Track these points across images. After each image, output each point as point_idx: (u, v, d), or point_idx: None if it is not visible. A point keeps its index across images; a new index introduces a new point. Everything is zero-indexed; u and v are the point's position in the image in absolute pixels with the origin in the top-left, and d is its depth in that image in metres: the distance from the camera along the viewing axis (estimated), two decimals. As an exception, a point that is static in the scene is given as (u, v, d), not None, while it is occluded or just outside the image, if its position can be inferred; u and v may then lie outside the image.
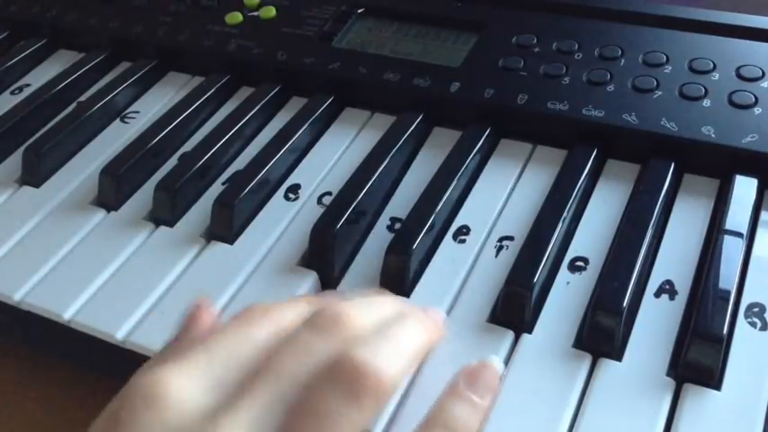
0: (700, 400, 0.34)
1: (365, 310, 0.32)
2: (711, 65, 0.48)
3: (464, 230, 0.43)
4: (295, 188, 0.48)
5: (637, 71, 0.49)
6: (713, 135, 0.44)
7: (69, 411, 0.44)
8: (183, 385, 0.28)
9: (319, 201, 0.47)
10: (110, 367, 0.41)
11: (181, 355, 0.29)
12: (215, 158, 0.49)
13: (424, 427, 0.31)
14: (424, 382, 0.36)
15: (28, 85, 0.60)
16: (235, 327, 0.31)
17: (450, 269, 0.41)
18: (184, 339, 0.32)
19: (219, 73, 0.57)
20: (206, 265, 0.43)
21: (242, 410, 0.27)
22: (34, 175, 0.50)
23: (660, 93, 0.47)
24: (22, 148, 0.52)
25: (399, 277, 0.41)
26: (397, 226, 0.44)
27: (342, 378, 0.28)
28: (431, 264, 0.42)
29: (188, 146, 0.52)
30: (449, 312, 0.39)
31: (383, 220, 0.45)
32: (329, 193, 0.47)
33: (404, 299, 0.39)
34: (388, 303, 0.34)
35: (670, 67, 0.49)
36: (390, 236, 0.43)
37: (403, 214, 0.44)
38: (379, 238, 0.44)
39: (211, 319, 0.33)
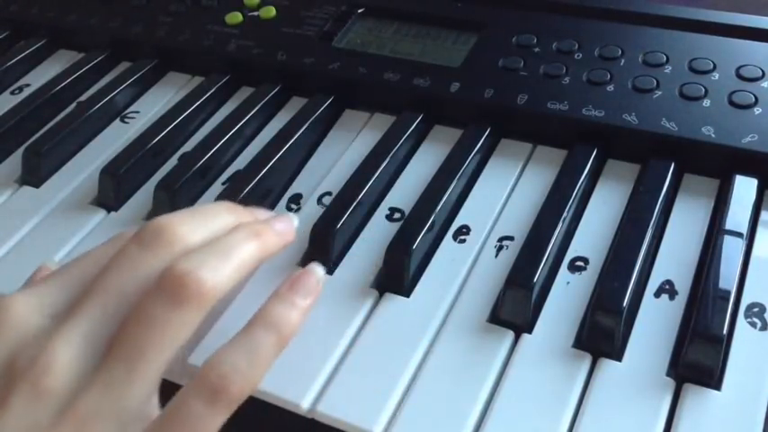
0: (700, 400, 0.34)
1: (193, 223, 0.34)
2: (711, 65, 0.48)
3: (464, 230, 0.43)
4: (295, 189, 0.48)
5: (637, 71, 0.49)
6: (713, 135, 0.44)
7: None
8: (22, 309, 0.31)
9: (319, 201, 0.47)
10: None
11: (28, 286, 0.32)
12: (215, 158, 0.49)
13: (246, 327, 0.33)
14: (424, 382, 0.36)
15: (28, 85, 0.60)
16: (86, 252, 0.34)
17: (450, 269, 0.41)
18: None
19: (219, 73, 0.57)
20: (206, 265, 0.43)
21: (74, 326, 0.30)
22: (34, 175, 0.50)
23: (660, 93, 0.47)
24: (22, 148, 0.52)
25: (399, 277, 0.41)
26: (396, 216, 0.44)
27: (165, 287, 0.30)
28: (431, 264, 0.42)
29: (188, 146, 0.52)
30: (449, 312, 0.39)
31: (383, 220, 0.45)
32: (329, 194, 0.47)
33: (262, 214, 0.39)
34: (221, 213, 0.35)
35: (670, 67, 0.49)
36: (390, 227, 0.43)
37: (402, 207, 0.44)
38: (378, 234, 0.44)
39: None
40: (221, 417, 0.30)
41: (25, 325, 0.30)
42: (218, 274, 0.31)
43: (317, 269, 0.36)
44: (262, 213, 0.39)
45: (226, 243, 0.33)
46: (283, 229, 0.37)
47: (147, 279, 0.31)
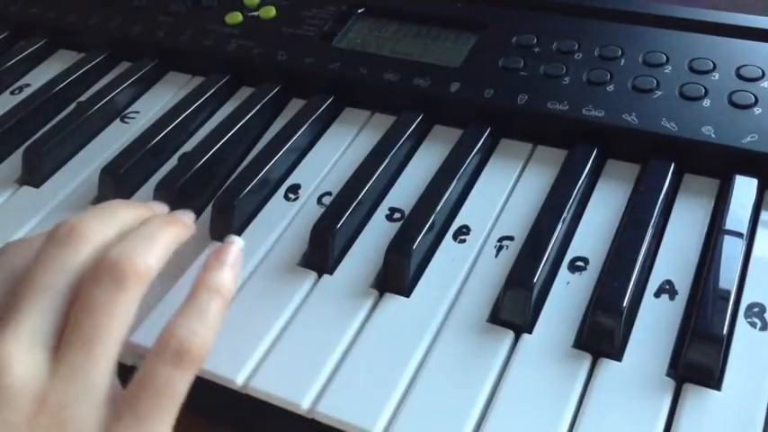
0: (700, 400, 0.34)
1: (101, 218, 0.36)
2: (711, 65, 0.48)
3: (464, 230, 0.43)
4: (295, 188, 0.48)
5: (637, 71, 0.49)
6: (713, 135, 0.44)
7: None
8: None
9: (319, 201, 0.47)
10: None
11: None
12: (215, 158, 0.49)
13: (191, 297, 0.35)
14: (424, 382, 0.36)
15: (28, 85, 0.60)
16: None
17: (450, 269, 0.41)
18: None
19: (219, 73, 0.57)
20: (206, 265, 0.43)
21: (16, 326, 0.31)
22: (34, 175, 0.50)
23: (660, 93, 0.47)
24: (22, 148, 0.51)
25: (399, 277, 0.41)
26: (396, 216, 0.44)
27: (104, 272, 0.33)
28: (431, 264, 0.42)
29: (188, 146, 0.52)
30: (449, 312, 0.39)
31: (383, 220, 0.45)
32: (329, 194, 0.47)
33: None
34: (121, 208, 0.38)
35: (670, 67, 0.49)
36: (390, 227, 0.43)
37: (402, 207, 0.44)
38: (378, 236, 0.44)
39: None
40: (188, 377, 0.33)
41: None
42: (148, 256, 0.34)
43: (237, 239, 0.39)
44: (157, 207, 0.42)
45: (148, 230, 0.36)
46: (188, 221, 0.41)
47: (75, 273, 0.33)
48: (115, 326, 0.32)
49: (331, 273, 0.42)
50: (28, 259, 0.34)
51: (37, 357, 0.31)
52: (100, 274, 0.33)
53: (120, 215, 0.37)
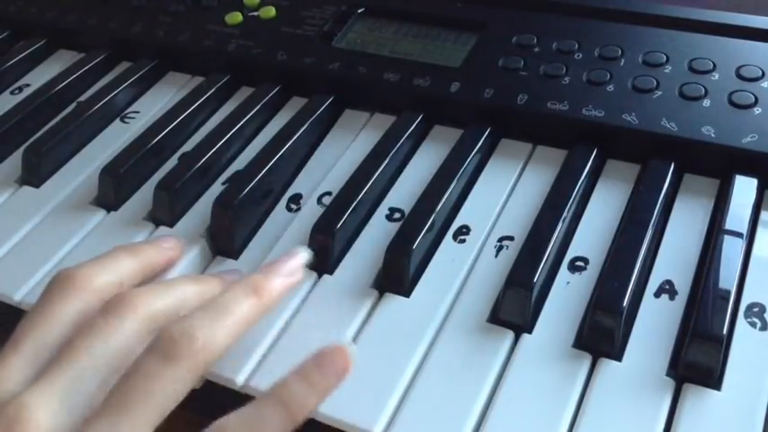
0: (700, 400, 0.34)
1: (155, 290, 0.35)
2: (711, 65, 0.48)
3: (464, 230, 0.43)
4: (295, 192, 0.48)
5: (637, 71, 0.49)
6: (713, 135, 0.44)
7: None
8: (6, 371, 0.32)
9: (319, 201, 0.47)
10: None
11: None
12: (215, 158, 0.49)
13: (262, 397, 0.32)
14: (424, 382, 0.36)
15: (28, 85, 0.60)
16: (42, 305, 0.34)
17: (450, 269, 0.41)
18: None
19: (219, 73, 0.57)
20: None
21: (48, 385, 0.31)
22: (34, 175, 0.50)
23: (660, 93, 0.47)
24: (22, 148, 0.51)
25: (399, 277, 0.41)
26: (396, 216, 0.44)
27: (157, 346, 0.32)
28: (431, 264, 0.42)
29: (188, 146, 0.52)
30: (449, 312, 0.39)
31: (383, 219, 0.45)
32: (329, 194, 0.47)
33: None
34: (184, 283, 0.37)
35: (670, 67, 0.49)
36: (390, 227, 0.43)
37: (402, 207, 0.44)
38: (378, 236, 0.44)
39: None
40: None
41: (6, 386, 0.31)
42: (210, 333, 0.32)
43: (349, 346, 0.34)
44: (230, 276, 0.40)
45: (221, 301, 0.34)
46: (292, 268, 0.38)
47: (116, 344, 0.33)
48: (151, 401, 0.31)
49: (331, 273, 0.42)
50: (61, 329, 0.34)
51: (60, 418, 0.30)
52: (154, 344, 0.32)
53: (178, 289, 0.36)
